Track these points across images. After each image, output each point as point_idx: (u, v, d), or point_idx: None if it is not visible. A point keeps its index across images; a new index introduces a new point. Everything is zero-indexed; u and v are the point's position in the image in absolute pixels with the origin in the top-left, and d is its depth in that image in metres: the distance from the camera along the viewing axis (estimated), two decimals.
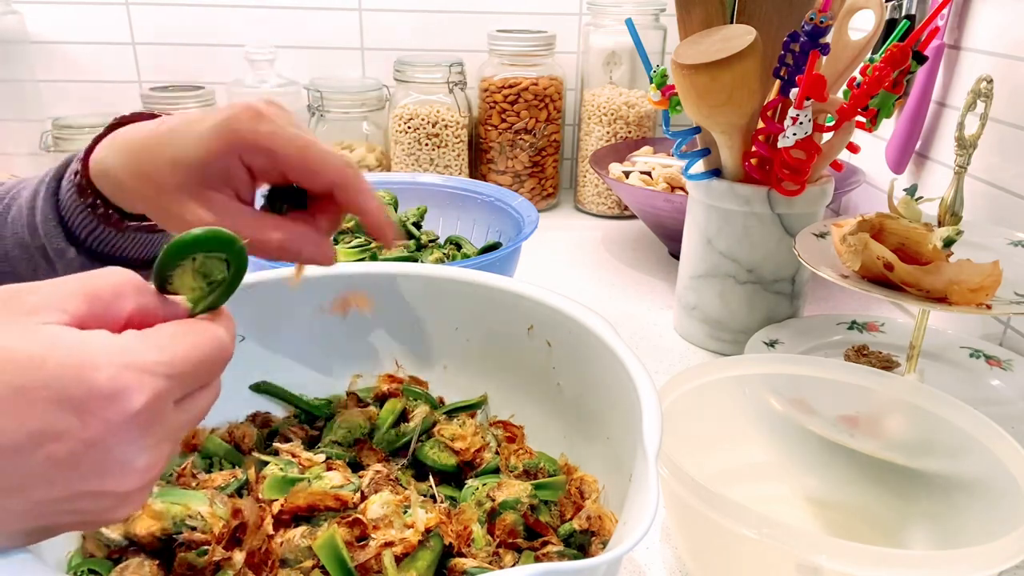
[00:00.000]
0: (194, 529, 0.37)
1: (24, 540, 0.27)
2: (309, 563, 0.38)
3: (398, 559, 0.37)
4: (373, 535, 0.38)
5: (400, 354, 0.55)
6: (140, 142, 0.41)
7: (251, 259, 0.33)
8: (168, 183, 0.40)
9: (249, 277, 0.49)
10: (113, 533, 0.38)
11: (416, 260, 0.74)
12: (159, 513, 0.37)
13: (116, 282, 0.28)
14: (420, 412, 0.50)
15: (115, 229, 0.45)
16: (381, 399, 0.52)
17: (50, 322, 0.25)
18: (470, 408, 0.53)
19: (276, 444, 0.47)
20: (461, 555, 0.39)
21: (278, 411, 0.52)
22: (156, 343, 0.27)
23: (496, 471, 0.47)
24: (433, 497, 0.45)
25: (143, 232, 0.46)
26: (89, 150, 0.43)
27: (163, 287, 0.29)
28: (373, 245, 0.74)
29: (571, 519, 0.43)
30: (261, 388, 0.51)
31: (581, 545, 0.42)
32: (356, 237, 0.76)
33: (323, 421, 0.51)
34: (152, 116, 0.45)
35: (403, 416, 0.51)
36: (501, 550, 0.40)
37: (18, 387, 0.24)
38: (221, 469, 0.45)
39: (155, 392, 0.26)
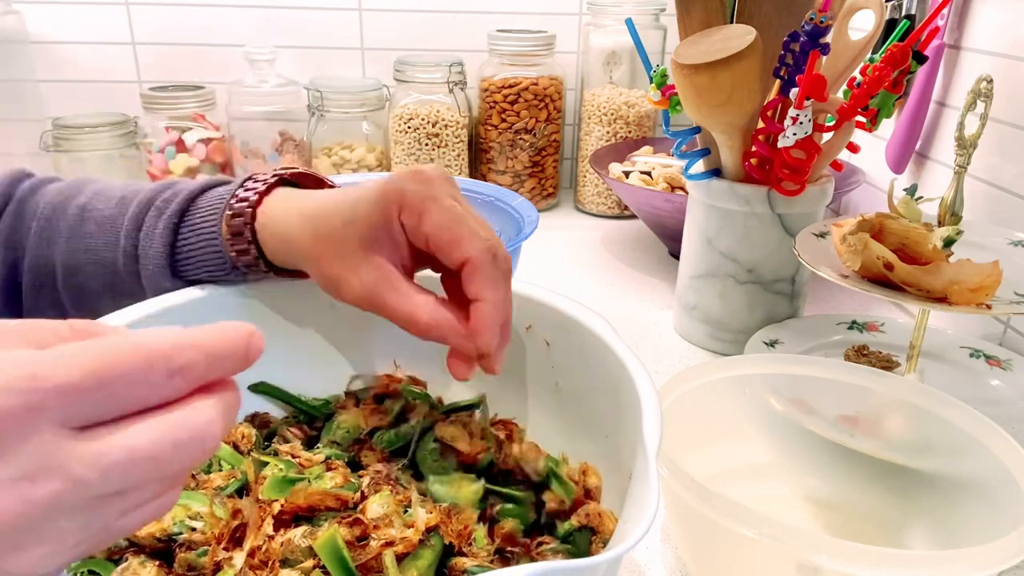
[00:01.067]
0: (194, 530, 0.37)
1: None
2: (310, 563, 0.37)
3: (399, 558, 0.37)
4: (373, 535, 0.38)
5: (398, 354, 0.55)
6: (318, 207, 0.43)
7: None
8: (346, 247, 0.41)
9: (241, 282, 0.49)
10: None
11: None
12: None
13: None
14: (419, 412, 0.50)
15: (251, 274, 0.46)
16: (379, 399, 0.52)
17: None
18: (468, 408, 0.53)
19: (275, 445, 0.47)
20: (462, 554, 0.39)
21: (276, 411, 0.52)
22: (42, 355, 0.22)
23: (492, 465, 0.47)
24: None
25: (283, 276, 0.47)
26: (257, 202, 0.44)
27: None
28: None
29: (570, 517, 0.43)
30: (259, 389, 0.51)
31: (580, 543, 0.42)
32: None
33: (321, 422, 0.51)
34: (313, 176, 0.48)
35: (402, 416, 0.51)
36: (497, 558, 0.40)
37: None
38: (220, 469, 0.45)
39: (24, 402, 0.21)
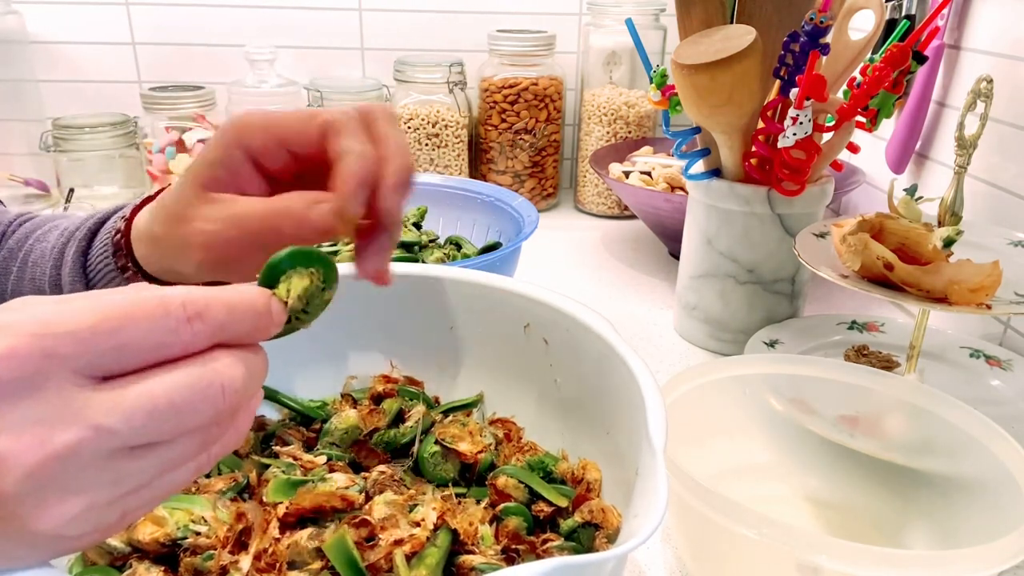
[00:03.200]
0: (198, 534, 0.37)
1: None
2: (317, 564, 0.37)
3: (407, 558, 0.38)
4: (381, 535, 0.38)
5: (395, 354, 0.55)
6: (170, 191, 0.40)
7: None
8: (183, 199, 0.37)
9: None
10: (114, 540, 0.37)
11: (417, 260, 0.74)
12: (161, 519, 0.37)
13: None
14: (416, 412, 0.50)
15: None
16: (376, 400, 0.52)
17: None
18: (466, 407, 0.53)
19: (275, 447, 0.47)
20: (470, 552, 0.39)
21: (273, 413, 0.52)
22: (63, 306, 0.21)
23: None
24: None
25: None
26: (134, 211, 0.43)
27: None
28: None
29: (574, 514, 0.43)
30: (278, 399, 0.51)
31: (584, 540, 0.42)
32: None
33: (319, 424, 0.51)
34: None
35: (400, 416, 0.51)
36: (502, 557, 0.40)
37: None
38: (220, 473, 0.44)
39: (12, 349, 0.20)
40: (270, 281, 0.28)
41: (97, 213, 0.47)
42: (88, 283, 0.45)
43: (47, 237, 0.48)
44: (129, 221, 0.43)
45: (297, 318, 0.29)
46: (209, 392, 0.23)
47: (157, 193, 0.43)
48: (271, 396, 0.52)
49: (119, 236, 0.43)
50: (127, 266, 0.42)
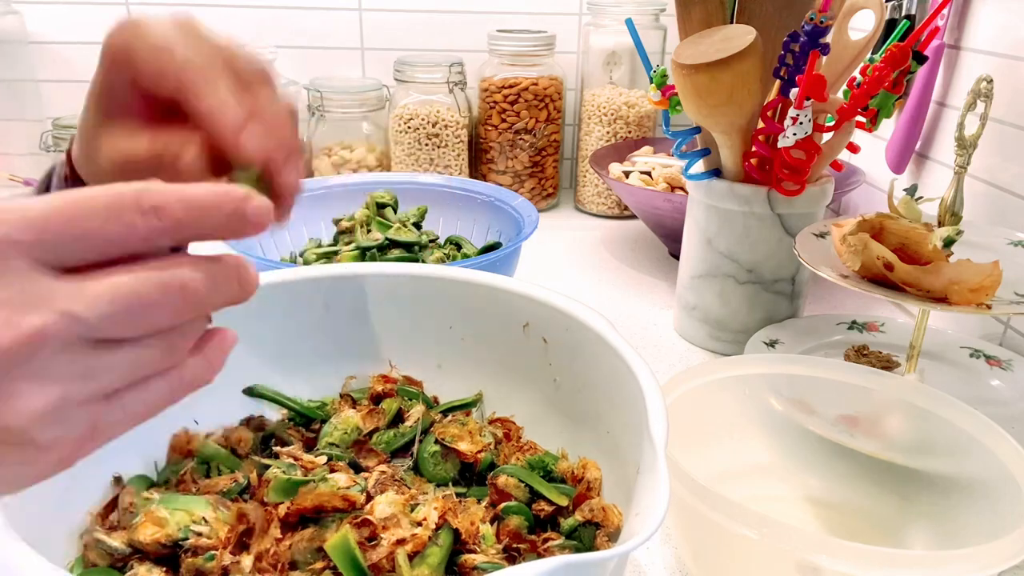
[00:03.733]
0: (199, 535, 0.37)
1: None
2: (319, 564, 0.38)
3: (409, 557, 0.38)
4: (383, 535, 0.38)
5: (394, 354, 0.55)
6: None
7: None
8: (86, 130, 0.36)
9: None
10: (115, 541, 0.37)
11: (417, 260, 0.74)
12: (162, 520, 0.37)
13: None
14: (416, 412, 0.50)
15: None
16: (376, 400, 0.52)
17: None
18: (465, 407, 0.53)
19: (275, 448, 0.47)
20: (471, 551, 0.39)
21: (272, 414, 0.52)
22: (27, 201, 0.21)
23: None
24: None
25: None
26: (68, 152, 0.41)
27: None
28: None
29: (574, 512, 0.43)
30: (254, 392, 0.51)
31: (585, 538, 0.42)
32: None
33: (318, 424, 0.51)
34: None
35: (399, 416, 0.51)
36: (504, 556, 0.40)
37: None
38: (220, 473, 0.45)
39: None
40: None
41: (41, 177, 0.45)
42: None
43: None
44: (69, 153, 0.41)
45: None
46: (169, 288, 0.23)
47: None
48: (269, 397, 0.52)
49: (65, 170, 0.42)
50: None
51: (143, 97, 0.34)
